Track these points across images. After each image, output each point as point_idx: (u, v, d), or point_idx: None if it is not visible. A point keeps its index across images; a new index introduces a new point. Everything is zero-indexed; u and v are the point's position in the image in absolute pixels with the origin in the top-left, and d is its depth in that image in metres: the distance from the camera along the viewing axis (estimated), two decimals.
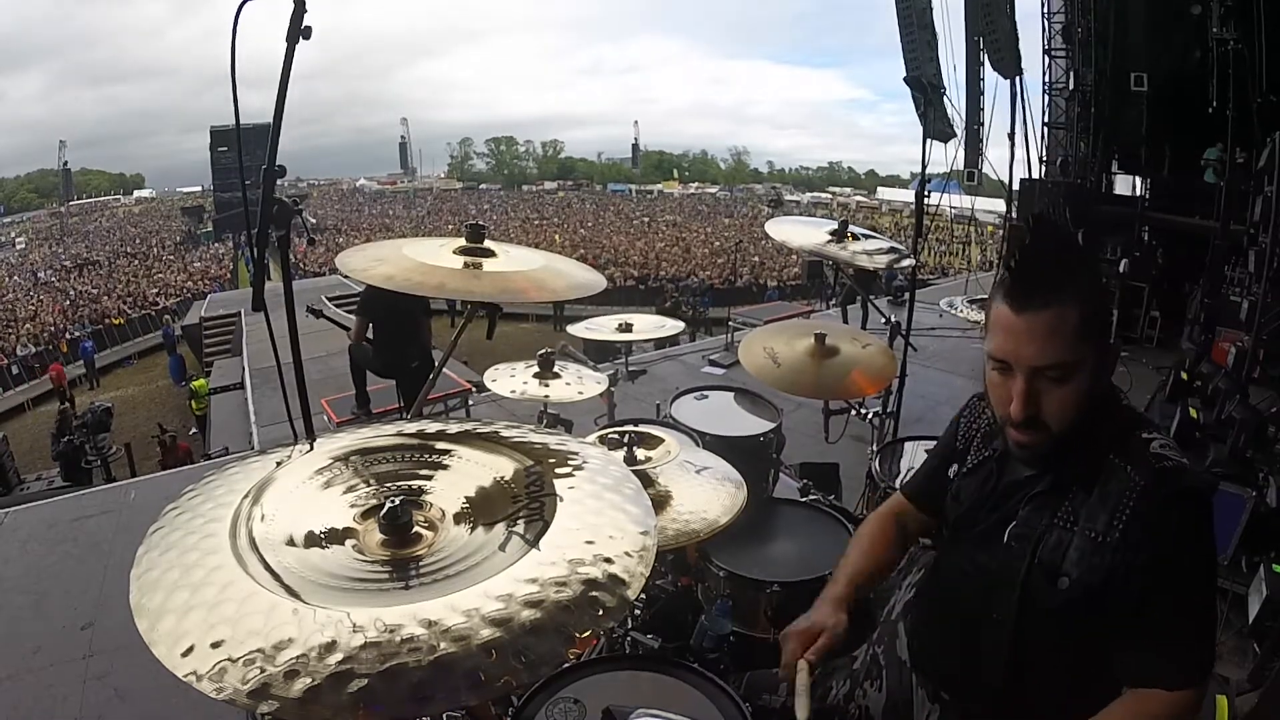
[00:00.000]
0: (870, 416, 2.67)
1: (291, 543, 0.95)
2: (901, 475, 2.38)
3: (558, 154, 62.71)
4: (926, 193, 3.31)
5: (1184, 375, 4.99)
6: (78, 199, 46.47)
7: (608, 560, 0.90)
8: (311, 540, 0.97)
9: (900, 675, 1.37)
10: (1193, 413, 4.30)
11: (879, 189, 52.08)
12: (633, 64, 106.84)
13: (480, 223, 1.86)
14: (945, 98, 10.18)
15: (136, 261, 32.25)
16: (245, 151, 1.42)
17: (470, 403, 5.75)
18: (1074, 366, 1.04)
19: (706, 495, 1.85)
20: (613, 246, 32.74)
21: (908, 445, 2.58)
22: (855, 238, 2.85)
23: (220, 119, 37.75)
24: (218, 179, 40.69)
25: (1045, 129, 10.24)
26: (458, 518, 1.02)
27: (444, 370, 2.54)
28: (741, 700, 1.28)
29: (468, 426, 1.26)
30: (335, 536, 0.98)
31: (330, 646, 0.75)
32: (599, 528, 0.97)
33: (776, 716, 1.45)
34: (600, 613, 0.83)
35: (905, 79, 9.69)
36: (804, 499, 2.33)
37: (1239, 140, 7.04)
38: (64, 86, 70.12)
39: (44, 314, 23.37)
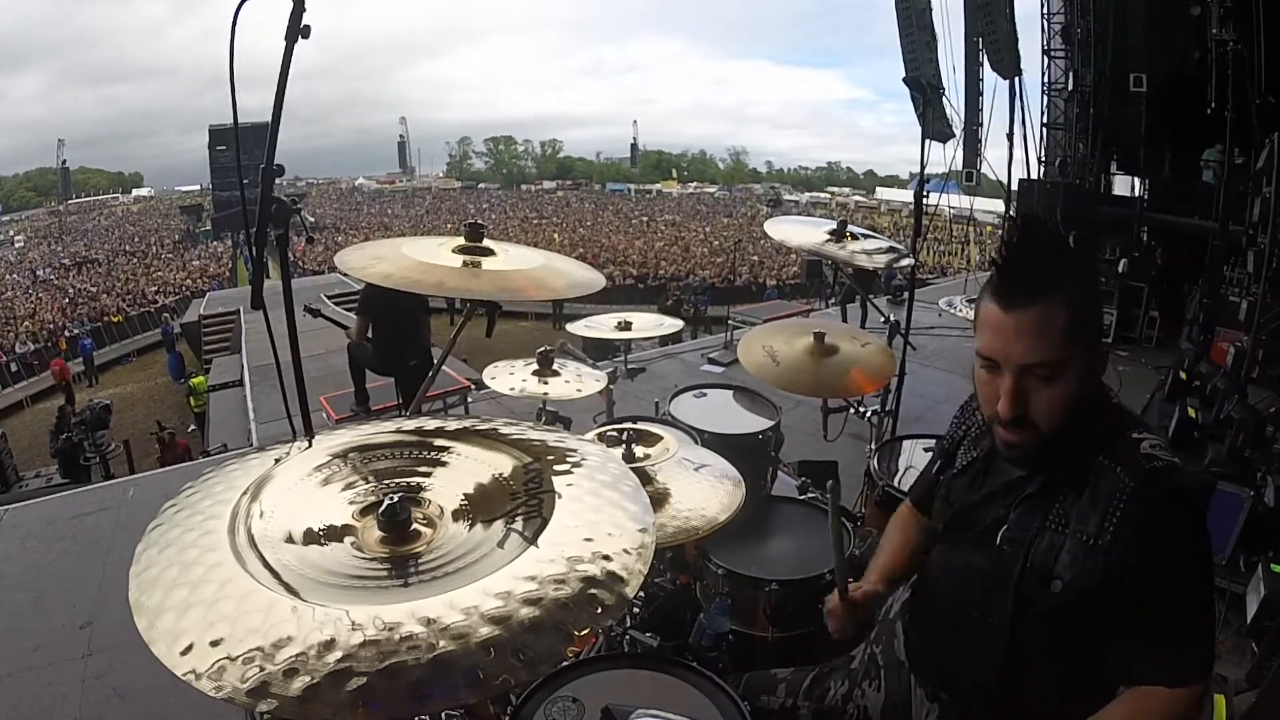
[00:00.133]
0: (869, 415, 2.67)
1: (290, 540, 0.95)
2: (900, 473, 2.39)
3: (556, 154, 62.71)
4: (925, 193, 3.31)
5: (1183, 375, 5.00)
6: (76, 198, 46.40)
7: (606, 558, 0.90)
8: (310, 537, 0.96)
9: (899, 675, 1.37)
10: (1191, 412, 4.31)
11: (878, 189, 52.05)
12: (632, 64, 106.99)
13: (479, 221, 1.86)
14: (944, 98, 10.21)
15: (135, 260, 32.18)
16: (244, 150, 1.42)
17: (469, 400, 5.76)
18: (1062, 365, 1.04)
19: (705, 493, 1.86)
20: (611, 246, 32.69)
21: (906, 444, 2.58)
22: (854, 237, 2.85)
23: (219, 118, 37.61)
24: (216, 178, 40.53)
25: (1044, 129, 10.26)
26: (456, 515, 1.02)
27: (443, 368, 2.54)
28: (740, 699, 1.28)
29: (467, 424, 1.26)
30: (334, 534, 0.98)
31: (329, 644, 0.75)
32: (597, 525, 0.97)
33: (775, 716, 1.45)
34: (599, 610, 0.83)
35: (905, 79, 9.70)
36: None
37: (1238, 141, 7.05)
38: (64, 86, 70.12)
39: (43, 311, 23.33)
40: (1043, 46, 9.99)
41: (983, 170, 11.55)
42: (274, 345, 1.35)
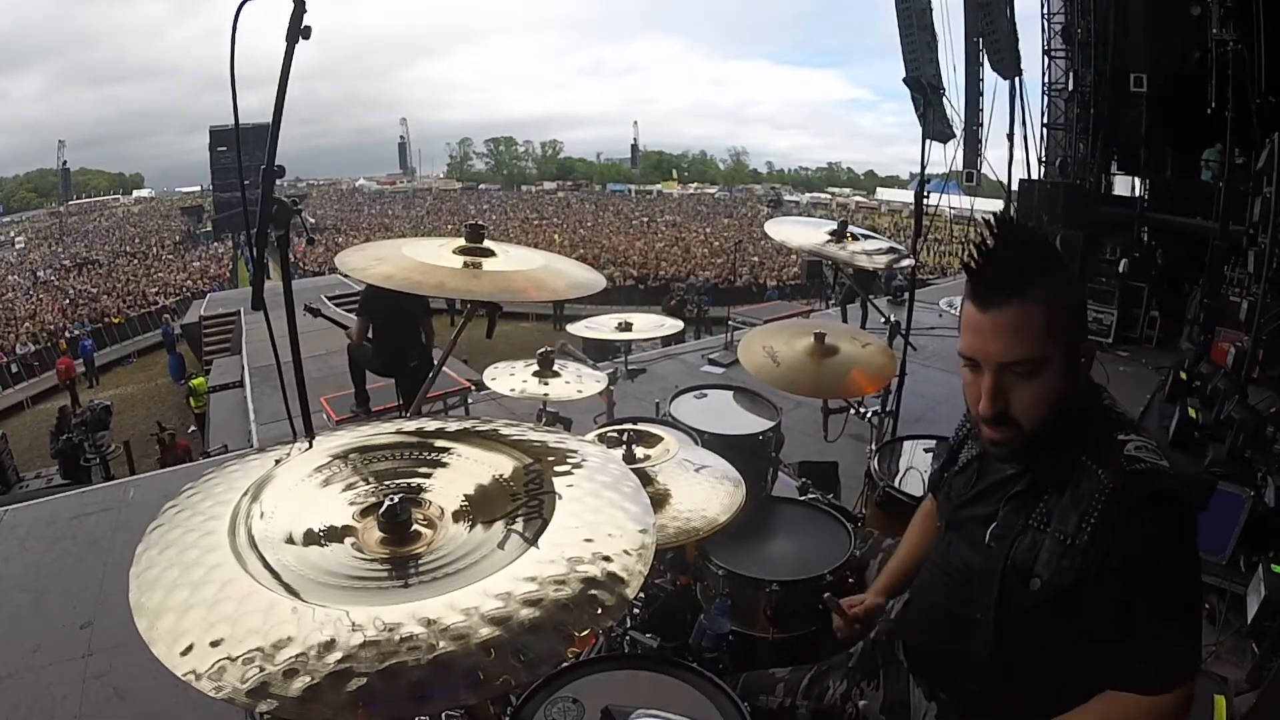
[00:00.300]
0: (869, 415, 2.67)
1: (290, 541, 0.95)
2: (900, 474, 2.39)
3: (557, 154, 62.71)
4: (926, 193, 3.31)
5: (1183, 375, 5.00)
6: (77, 199, 46.42)
7: (606, 559, 0.90)
8: (310, 538, 0.97)
9: (897, 674, 1.37)
10: (1192, 413, 4.31)
11: (878, 189, 52.09)
12: (632, 64, 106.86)
13: (480, 222, 1.86)
14: (945, 98, 10.20)
15: (136, 261, 32.23)
16: (245, 151, 1.42)
17: (470, 401, 5.76)
18: (1040, 363, 1.05)
19: (705, 494, 1.85)
20: (612, 246, 32.70)
21: (906, 444, 2.58)
22: (854, 238, 2.85)
23: (220, 119, 37.70)
24: (217, 179, 40.61)
25: (1044, 129, 10.24)
26: (457, 516, 1.02)
27: (444, 368, 2.54)
28: (740, 700, 1.28)
29: (467, 425, 1.26)
30: (334, 534, 0.98)
31: (329, 645, 0.75)
32: (598, 526, 0.97)
33: (774, 716, 1.45)
34: (599, 611, 0.83)
35: (905, 79, 9.68)
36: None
37: (1238, 141, 7.04)
38: (64, 86, 70.09)
39: (43, 312, 23.35)
40: (1043, 46, 9.97)
41: (983, 170, 11.56)
42: (274, 346, 1.35)
